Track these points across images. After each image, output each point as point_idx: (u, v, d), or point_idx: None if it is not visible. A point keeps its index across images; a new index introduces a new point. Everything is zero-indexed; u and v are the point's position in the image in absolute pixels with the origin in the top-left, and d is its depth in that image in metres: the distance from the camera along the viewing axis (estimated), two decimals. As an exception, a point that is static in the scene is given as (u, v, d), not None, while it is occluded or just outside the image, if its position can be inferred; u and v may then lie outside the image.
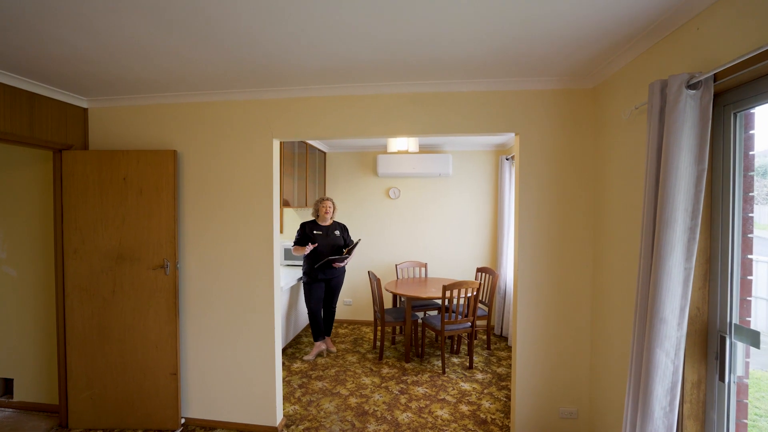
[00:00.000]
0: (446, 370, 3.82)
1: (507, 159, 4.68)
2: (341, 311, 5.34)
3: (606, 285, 2.33)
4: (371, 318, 5.31)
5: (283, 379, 3.61)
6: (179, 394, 2.83)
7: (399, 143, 3.96)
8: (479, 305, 4.32)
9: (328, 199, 4.16)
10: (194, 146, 2.86)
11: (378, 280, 4.02)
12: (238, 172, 2.80)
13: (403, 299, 4.59)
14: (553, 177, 2.53)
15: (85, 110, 2.98)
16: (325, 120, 2.71)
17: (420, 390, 3.42)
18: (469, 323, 3.86)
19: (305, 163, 4.57)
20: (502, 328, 4.78)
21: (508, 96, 2.54)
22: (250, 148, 2.78)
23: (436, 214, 5.18)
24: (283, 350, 4.29)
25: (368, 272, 4.27)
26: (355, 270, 5.24)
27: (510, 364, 3.95)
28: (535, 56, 2.11)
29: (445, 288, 3.62)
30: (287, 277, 4.26)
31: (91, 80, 2.54)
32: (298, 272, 4.50)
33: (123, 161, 2.79)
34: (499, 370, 3.83)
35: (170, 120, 2.88)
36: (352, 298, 5.36)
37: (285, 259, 5.06)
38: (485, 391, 3.40)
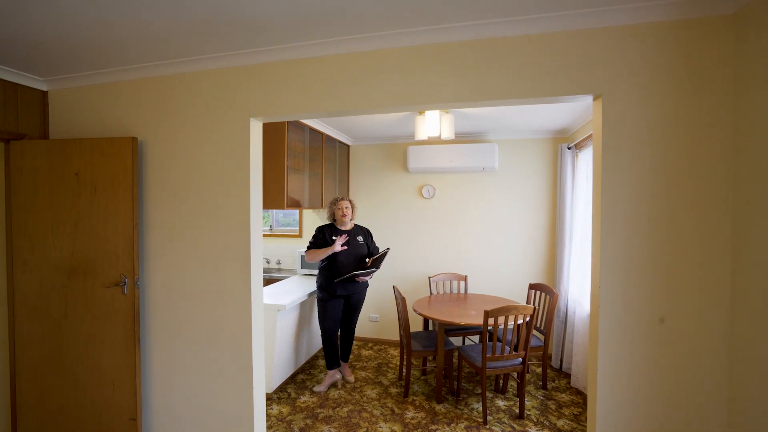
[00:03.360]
0: (488, 418, 2.96)
1: (569, 148, 3.71)
2: (366, 328, 4.62)
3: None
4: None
5: (284, 418, 2.95)
6: (140, 446, 2.25)
7: (429, 127, 3.15)
8: (533, 332, 3.41)
9: (343, 199, 3.45)
10: (159, 132, 2.26)
11: (403, 299, 3.25)
12: (208, 165, 2.17)
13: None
14: (658, 159, 1.62)
15: (44, 93, 2.49)
16: (317, 90, 1.99)
17: (452, 449, 2.60)
18: (520, 359, 2.98)
19: (320, 157, 3.90)
20: (561, 361, 3.81)
21: (582, 38, 1.66)
22: (222, 132, 2.13)
23: (479, 216, 4.29)
24: (293, 376, 3.65)
25: (393, 287, 3.51)
26: (382, 281, 4.49)
27: (574, 415, 3.00)
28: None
29: (487, 314, 2.77)
30: (298, 290, 3.61)
31: (34, 52, 2.03)
32: (313, 284, 3.83)
33: (75, 152, 2.25)
34: (559, 423, 2.90)
35: (131, 100, 2.31)
36: (379, 314, 4.62)
37: (302, 268, 4.43)
38: (542, 456, 2.52)
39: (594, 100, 1.71)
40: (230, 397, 2.19)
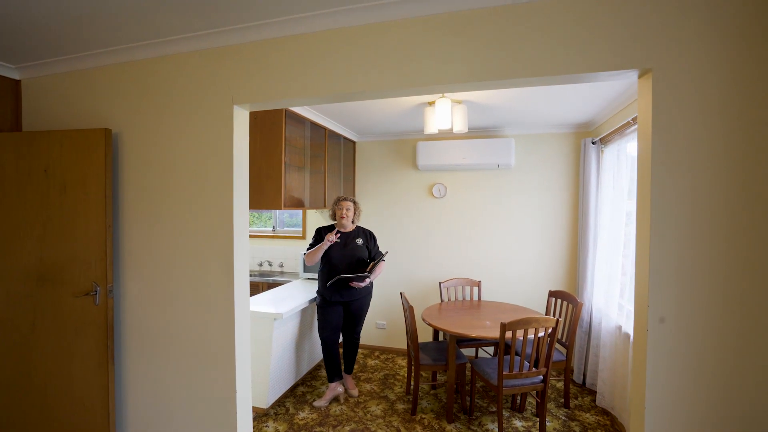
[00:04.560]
0: (506, 442, 2.66)
1: (593, 143, 3.39)
2: (373, 336, 4.35)
3: None
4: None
5: (280, 438, 2.70)
6: (114, 474, 2.02)
7: (440, 119, 2.86)
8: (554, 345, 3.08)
9: (346, 199, 3.20)
10: (137, 124, 2.03)
11: (411, 308, 2.96)
12: (189, 160, 1.92)
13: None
14: (723, 149, 1.30)
15: (17, 82, 2.28)
16: (307, 72, 1.72)
17: (465, 480, 2.31)
18: (541, 377, 2.67)
19: (323, 154, 3.64)
20: (584, 376, 3.47)
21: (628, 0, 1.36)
22: (204, 123, 1.88)
23: (494, 217, 3.98)
24: (293, 389, 3.39)
25: (400, 294, 3.24)
26: (389, 286, 4.22)
27: (603, 440, 2.68)
28: None
29: (504, 327, 2.48)
30: (300, 296, 3.37)
31: (4, 36, 1.82)
32: (315, 289, 3.57)
33: (44, 146, 2.03)
34: (586, 449, 2.59)
35: (107, 88, 2.08)
36: (386, 321, 4.34)
37: (304, 271, 4.19)
38: (568, 491, 2.21)
39: (640, 77, 1.41)
40: (212, 420, 1.94)
